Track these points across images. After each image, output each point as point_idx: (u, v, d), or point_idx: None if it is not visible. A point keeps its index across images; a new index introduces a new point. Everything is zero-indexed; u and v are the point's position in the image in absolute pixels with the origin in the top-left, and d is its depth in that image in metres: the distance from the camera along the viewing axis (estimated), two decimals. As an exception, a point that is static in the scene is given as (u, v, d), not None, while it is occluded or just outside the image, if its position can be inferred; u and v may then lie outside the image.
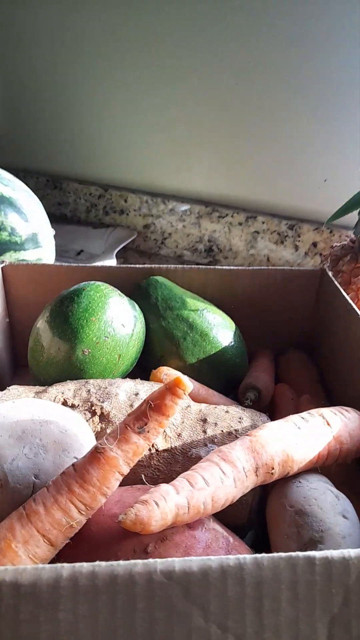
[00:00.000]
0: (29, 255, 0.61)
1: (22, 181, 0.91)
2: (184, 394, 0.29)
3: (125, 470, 0.28)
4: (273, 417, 0.47)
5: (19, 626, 0.21)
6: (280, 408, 0.48)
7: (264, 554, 0.23)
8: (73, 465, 0.28)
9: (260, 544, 0.34)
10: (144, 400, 0.29)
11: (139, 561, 0.23)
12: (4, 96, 0.87)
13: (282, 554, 0.23)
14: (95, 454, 0.27)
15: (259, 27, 0.67)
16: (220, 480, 0.29)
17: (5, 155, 0.93)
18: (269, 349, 0.57)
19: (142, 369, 0.48)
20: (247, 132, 0.75)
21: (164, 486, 0.28)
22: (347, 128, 0.69)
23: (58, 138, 0.88)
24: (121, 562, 0.23)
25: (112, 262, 0.76)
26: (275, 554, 0.23)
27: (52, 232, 0.67)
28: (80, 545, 0.28)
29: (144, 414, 0.29)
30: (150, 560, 0.23)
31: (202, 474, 0.29)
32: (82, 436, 0.31)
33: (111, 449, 0.27)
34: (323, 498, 0.32)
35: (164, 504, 0.27)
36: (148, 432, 0.29)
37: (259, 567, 0.23)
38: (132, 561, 0.23)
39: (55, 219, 0.92)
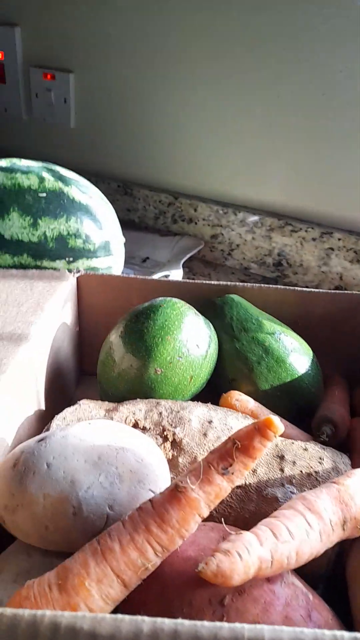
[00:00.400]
0: (100, 263, 0.61)
1: (94, 185, 0.92)
2: (275, 436, 0.27)
3: (206, 512, 0.26)
4: (349, 453, 0.44)
5: None
6: (357, 444, 0.45)
7: (344, 632, 0.20)
8: (151, 501, 0.27)
9: (333, 596, 0.31)
10: (229, 438, 0.27)
11: (225, 624, 0.21)
12: (82, 100, 0.88)
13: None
14: (176, 493, 0.26)
15: (350, 35, 0.63)
16: (306, 534, 0.27)
17: (80, 158, 0.94)
18: (344, 378, 0.53)
19: (211, 390, 0.46)
20: (327, 143, 0.71)
21: (246, 535, 0.26)
22: None
23: (131, 144, 0.88)
24: (205, 623, 0.21)
25: (178, 271, 0.75)
26: (356, 634, 0.20)
27: (122, 240, 0.66)
28: (151, 587, 0.26)
29: (230, 454, 0.27)
30: (237, 625, 0.21)
31: (287, 525, 0.27)
32: (157, 466, 0.30)
33: (193, 490, 0.26)
34: None
35: (247, 556, 0.25)
36: (232, 474, 0.27)
37: (359, 649, 0.20)
38: (218, 624, 0.21)
39: (123, 224, 0.91)
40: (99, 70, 0.84)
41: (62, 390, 0.49)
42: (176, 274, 0.73)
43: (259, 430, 0.27)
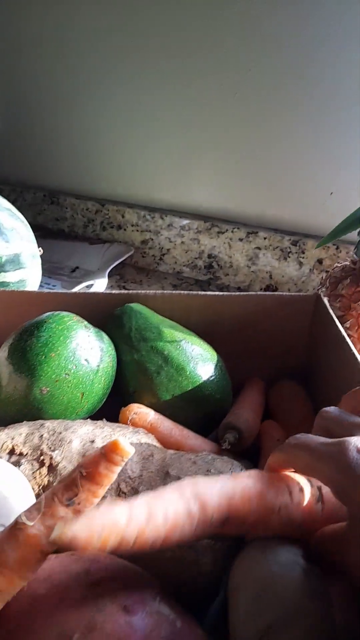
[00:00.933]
0: (11, 277, 0.59)
1: (20, 196, 0.90)
2: (122, 460, 0.25)
3: (50, 547, 0.25)
4: (257, 458, 0.43)
5: None
6: (265, 449, 0.44)
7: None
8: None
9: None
10: (76, 466, 0.25)
11: None
12: (4, 110, 0.86)
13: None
14: (13, 532, 0.24)
15: (259, 34, 0.63)
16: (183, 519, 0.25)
17: (4, 169, 0.92)
18: (261, 379, 0.52)
19: (115, 404, 0.44)
20: (248, 144, 0.70)
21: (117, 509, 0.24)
22: (353, 139, 0.64)
23: (56, 152, 0.86)
24: None
25: (102, 280, 0.73)
26: None
27: (38, 251, 0.64)
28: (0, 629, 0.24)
29: (75, 483, 0.25)
30: None
31: (166, 508, 0.25)
32: (14, 499, 0.28)
33: (33, 526, 0.24)
34: (289, 576, 0.27)
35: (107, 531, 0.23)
36: (79, 504, 0.25)
37: None
38: None
39: (53, 234, 0.90)
40: (15, 80, 0.82)
41: None
42: (100, 283, 0.71)
43: (105, 455, 0.25)
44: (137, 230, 0.83)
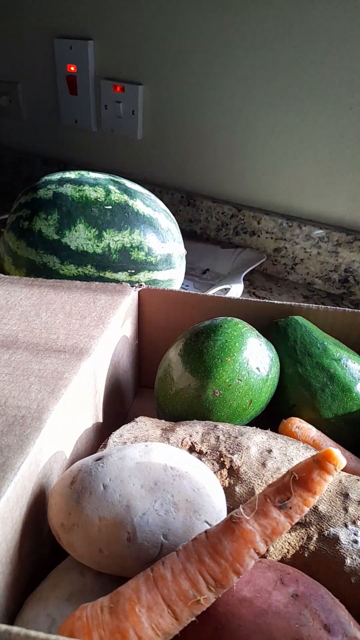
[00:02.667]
0: (161, 276, 0.61)
1: (159, 196, 0.93)
2: (335, 470, 0.25)
3: (262, 548, 0.25)
4: None
5: None
6: None
7: None
8: (206, 532, 0.26)
9: None
10: (288, 471, 0.26)
11: None
12: (149, 112, 0.89)
13: None
14: (230, 524, 0.25)
15: None
16: None
17: (145, 170, 0.95)
18: None
19: (270, 414, 0.44)
20: None
21: None
22: None
23: (196, 155, 0.88)
24: None
25: (239, 285, 0.73)
26: None
27: (184, 252, 0.66)
28: (205, 627, 0.25)
29: (287, 488, 0.25)
30: None
31: None
32: (214, 497, 0.29)
33: (247, 521, 0.25)
34: None
35: None
36: (290, 508, 0.25)
37: None
38: None
39: (186, 235, 0.92)
40: (167, 83, 0.85)
41: (119, 403, 0.49)
42: (236, 288, 0.72)
43: (319, 462, 0.25)
44: (272, 238, 0.82)
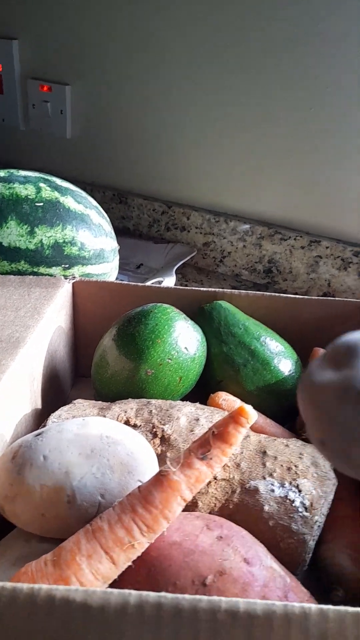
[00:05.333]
0: (95, 269, 0.63)
1: (90, 194, 0.95)
2: (247, 423, 0.29)
3: (188, 495, 0.29)
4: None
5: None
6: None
7: (330, 606, 0.23)
8: (138, 487, 0.29)
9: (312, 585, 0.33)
10: (209, 428, 0.30)
11: (204, 597, 0.23)
12: (78, 111, 0.91)
13: (349, 608, 0.23)
14: (159, 477, 0.28)
15: (337, 53, 0.66)
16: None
17: (76, 168, 0.97)
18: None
19: (200, 391, 0.48)
20: (317, 156, 0.74)
21: None
22: None
23: (126, 154, 0.90)
24: (187, 596, 0.23)
25: (171, 278, 0.77)
26: (323, 606, 0.23)
27: (117, 247, 0.69)
28: (140, 569, 0.29)
29: (207, 441, 0.29)
30: (215, 597, 0.23)
31: None
32: (146, 460, 0.32)
33: (174, 473, 0.28)
34: None
35: None
36: (211, 459, 0.29)
37: (325, 619, 0.22)
38: (197, 597, 0.23)
39: (118, 231, 0.94)
40: (95, 82, 0.87)
41: (58, 391, 0.51)
42: (169, 280, 0.76)
43: (233, 418, 0.29)
44: (201, 233, 0.87)
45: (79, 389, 0.57)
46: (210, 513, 0.36)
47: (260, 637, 0.22)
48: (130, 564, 0.28)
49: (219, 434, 0.29)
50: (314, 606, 0.23)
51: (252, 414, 0.29)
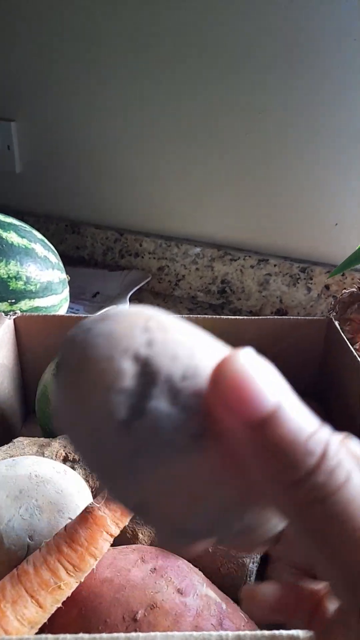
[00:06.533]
0: (44, 302, 0.63)
1: (43, 226, 0.96)
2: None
3: (114, 530, 0.29)
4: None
5: None
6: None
7: (247, 631, 0.23)
8: (65, 526, 0.29)
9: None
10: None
11: (122, 635, 0.23)
12: (26, 146, 0.92)
13: (266, 632, 0.23)
14: (84, 515, 0.28)
15: (270, 80, 0.69)
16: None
17: (27, 202, 0.97)
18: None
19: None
20: (258, 178, 0.76)
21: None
22: (357, 174, 0.70)
23: (77, 185, 0.92)
24: (104, 635, 0.23)
25: (125, 305, 0.78)
26: (258, 632, 0.23)
27: (66, 278, 0.69)
28: (71, 610, 0.28)
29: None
30: (133, 634, 0.23)
31: None
32: (78, 496, 0.32)
33: (98, 509, 0.28)
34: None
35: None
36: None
37: (242, 646, 0.23)
38: (115, 635, 0.23)
39: (73, 262, 0.95)
40: (40, 115, 0.88)
41: (5, 430, 0.50)
42: (123, 307, 0.76)
43: None
44: (154, 258, 0.88)
45: (31, 426, 0.56)
46: (151, 544, 0.36)
47: (180, 671, 0.22)
48: (59, 605, 0.28)
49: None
50: (231, 634, 0.23)
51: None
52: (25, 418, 0.57)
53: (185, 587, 0.30)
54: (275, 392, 0.14)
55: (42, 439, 0.42)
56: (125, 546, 0.32)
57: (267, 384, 0.14)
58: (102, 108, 0.83)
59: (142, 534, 0.35)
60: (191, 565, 0.32)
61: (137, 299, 0.87)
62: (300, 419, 0.14)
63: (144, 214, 0.88)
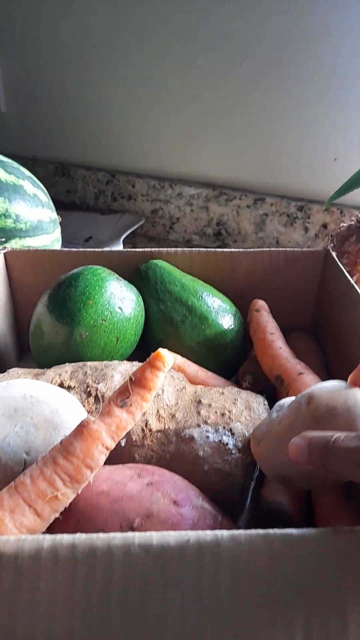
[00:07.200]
0: (35, 242, 0.62)
1: (32, 170, 0.92)
2: (164, 366, 0.29)
3: (109, 443, 0.29)
4: (275, 397, 0.48)
5: (0, 595, 0.22)
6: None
7: (241, 530, 0.23)
8: (60, 441, 0.29)
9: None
10: (129, 377, 0.30)
11: (118, 534, 0.23)
12: (12, 85, 0.87)
13: (260, 531, 0.23)
14: (80, 428, 0.28)
15: (264, 7, 0.65)
16: None
17: (14, 143, 0.94)
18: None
19: (142, 352, 0.48)
20: (253, 113, 0.73)
21: None
22: (354, 108, 0.67)
23: (66, 126, 0.88)
24: (100, 534, 0.23)
25: (119, 247, 0.76)
26: (252, 531, 0.23)
27: (57, 218, 0.67)
28: (69, 520, 0.29)
29: (126, 389, 0.29)
30: (129, 534, 0.23)
31: None
32: (73, 416, 0.32)
33: (94, 422, 0.28)
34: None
35: None
36: (130, 405, 0.29)
37: (236, 544, 0.23)
38: (112, 534, 0.23)
39: (65, 206, 0.92)
40: (26, 55, 0.84)
41: (0, 367, 0.50)
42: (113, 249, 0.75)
43: (150, 363, 0.29)
44: (147, 200, 0.86)
45: (25, 364, 0.56)
46: (148, 464, 0.36)
47: (174, 566, 0.23)
48: (57, 515, 0.28)
49: (137, 380, 0.29)
50: (225, 532, 0.23)
51: (168, 358, 0.29)
52: (20, 356, 0.57)
53: (182, 499, 0.30)
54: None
55: (36, 369, 0.42)
56: (122, 464, 0.33)
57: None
58: (90, 44, 0.78)
59: (138, 455, 0.36)
60: (187, 482, 0.33)
61: (130, 243, 0.86)
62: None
63: (136, 154, 0.85)
